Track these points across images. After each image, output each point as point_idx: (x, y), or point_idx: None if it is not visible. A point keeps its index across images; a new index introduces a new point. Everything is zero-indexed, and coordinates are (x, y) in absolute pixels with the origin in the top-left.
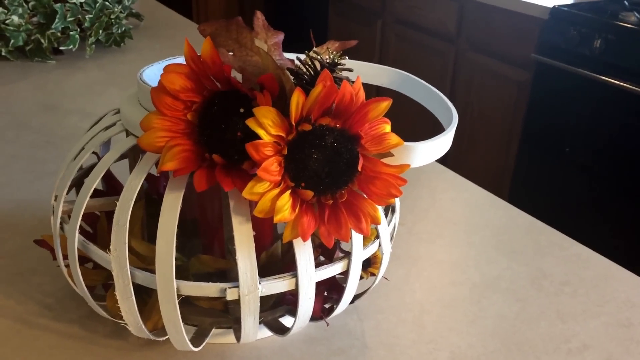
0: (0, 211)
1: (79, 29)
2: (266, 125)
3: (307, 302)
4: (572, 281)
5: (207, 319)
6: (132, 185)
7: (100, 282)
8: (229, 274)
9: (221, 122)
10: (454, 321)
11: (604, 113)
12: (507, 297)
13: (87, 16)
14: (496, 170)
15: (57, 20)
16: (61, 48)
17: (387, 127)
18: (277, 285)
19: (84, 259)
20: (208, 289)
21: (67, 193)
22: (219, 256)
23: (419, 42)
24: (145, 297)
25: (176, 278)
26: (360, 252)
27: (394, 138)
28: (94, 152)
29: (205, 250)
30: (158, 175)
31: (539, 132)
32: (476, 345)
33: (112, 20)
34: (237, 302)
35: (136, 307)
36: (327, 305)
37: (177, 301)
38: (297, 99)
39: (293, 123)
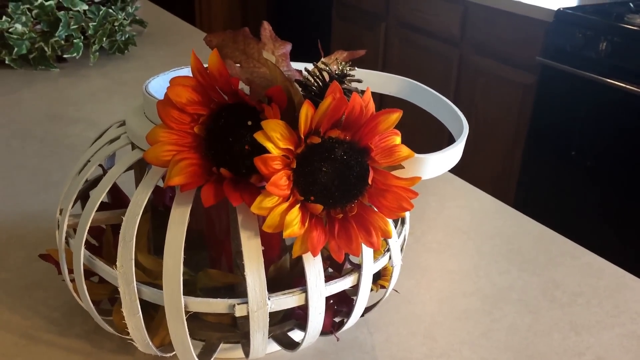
0: (6, 223)
1: (82, 37)
2: (275, 139)
3: (317, 317)
4: (585, 292)
5: (215, 333)
6: (139, 200)
7: (106, 296)
8: (237, 288)
9: (229, 135)
10: (465, 334)
11: (611, 116)
12: (519, 309)
13: (90, 24)
14: (501, 174)
15: (60, 28)
16: (65, 56)
17: (398, 139)
18: (287, 300)
19: (89, 272)
20: (216, 305)
21: (72, 206)
22: (226, 269)
23: (423, 46)
24: (152, 311)
25: (183, 293)
26: (370, 265)
27: (405, 150)
28: (99, 165)
29: (212, 263)
30: (165, 188)
31: (545, 135)
32: (489, 359)
33: (116, 28)
34: (245, 317)
35: (143, 325)
36: (337, 319)
37: (184, 319)
38: (306, 111)
39: (302, 136)
